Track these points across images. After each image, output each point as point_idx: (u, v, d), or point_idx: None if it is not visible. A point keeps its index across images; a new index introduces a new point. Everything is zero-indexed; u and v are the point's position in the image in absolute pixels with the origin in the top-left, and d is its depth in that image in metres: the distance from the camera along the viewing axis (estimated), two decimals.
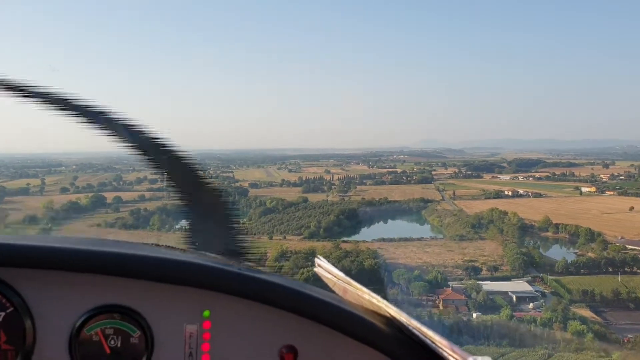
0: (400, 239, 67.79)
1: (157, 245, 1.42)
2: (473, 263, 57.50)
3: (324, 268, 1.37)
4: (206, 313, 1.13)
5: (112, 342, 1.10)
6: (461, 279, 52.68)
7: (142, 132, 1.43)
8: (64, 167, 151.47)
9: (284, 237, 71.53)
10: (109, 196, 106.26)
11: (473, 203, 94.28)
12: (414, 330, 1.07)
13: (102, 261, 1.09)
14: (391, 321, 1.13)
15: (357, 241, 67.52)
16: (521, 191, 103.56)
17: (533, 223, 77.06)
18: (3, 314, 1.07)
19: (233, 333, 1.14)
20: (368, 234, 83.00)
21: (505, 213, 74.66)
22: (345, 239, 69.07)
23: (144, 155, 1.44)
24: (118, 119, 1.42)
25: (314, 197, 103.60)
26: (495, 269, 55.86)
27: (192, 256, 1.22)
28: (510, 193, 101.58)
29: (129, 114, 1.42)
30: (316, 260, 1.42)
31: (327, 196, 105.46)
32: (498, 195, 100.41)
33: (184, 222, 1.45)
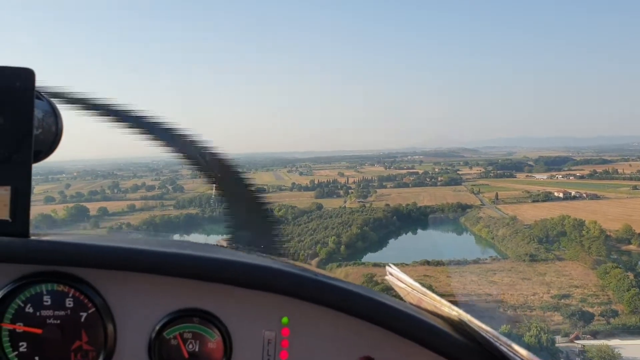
0: (450, 262, 47.75)
1: (221, 245, 1.36)
2: (568, 300, 37.46)
3: (396, 276, 1.27)
4: (285, 320, 1.07)
5: (191, 346, 1.06)
6: (568, 334, 32.63)
7: (183, 135, 1.40)
8: (64, 175, 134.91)
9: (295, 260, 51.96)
10: (95, 207, 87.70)
11: (521, 207, 74.22)
12: (503, 347, 0.97)
13: (184, 264, 1.04)
14: (473, 335, 1.04)
15: (394, 264, 47.52)
16: (573, 192, 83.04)
17: (609, 233, 56.66)
18: (85, 314, 1.04)
19: (311, 341, 1.08)
20: (398, 249, 63.32)
21: (582, 222, 54.29)
22: (376, 262, 49.27)
23: (184, 156, 1.40)
24: (162, 123, 1.38)
25: (329, 203, 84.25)
26: (613, 313, 35.60)
27: (267, 260, 1.15)
28: (561, 195, 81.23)
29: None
30: (387, 268, 1.31)
31: (345, 202, 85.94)
32: (547, 197, 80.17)
33: (226, 220, 1.43)
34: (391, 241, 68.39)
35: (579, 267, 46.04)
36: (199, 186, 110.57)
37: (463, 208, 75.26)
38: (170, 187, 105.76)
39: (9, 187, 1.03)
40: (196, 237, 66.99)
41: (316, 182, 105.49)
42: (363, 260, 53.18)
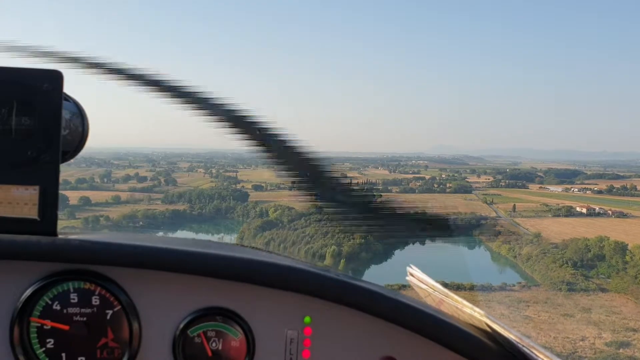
0: (473, 287, 38.60)
1: (242, 245, 1.36)
2: (629, 350, 28.55)
3: (417, 277, 1.25)
4: (307, 319, 1.08)
5: (214, 344, 1.07)
6: None
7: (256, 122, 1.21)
8: None
9: None
10: (77, 195, 79.16)
11: (542, 222, 65.06)
12: (525, 349, 0.96)
13: (208, 263, 1.04)
14: (496, 337, 1.03)
15: (405, 287, 38.57)
16: (597, 208, 73.88)
17: None
18: (111, 312, 1.05)
19: (333, 341, 1.08)
20: (404, 264, 54.15)
21: (624, 245, 45.25)
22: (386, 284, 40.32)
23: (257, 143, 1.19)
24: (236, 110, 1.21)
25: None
26: None
27: (289, 260, 1.15)
28: (584, 210, 72.06)
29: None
30: (408, 269, 1.29)
31: None
32: (569, 212, 71.08)
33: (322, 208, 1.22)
34: (397, 252, 59.31)
35: (629, 302, 37.06)
36: (193, 180, 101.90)
37: (477, 219, 66.19)
38: (162, 180, 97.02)
39: (37, 187, 1.04)
40: (183, 235, 58.29)
41: None
42: (365, 278, 44.31)
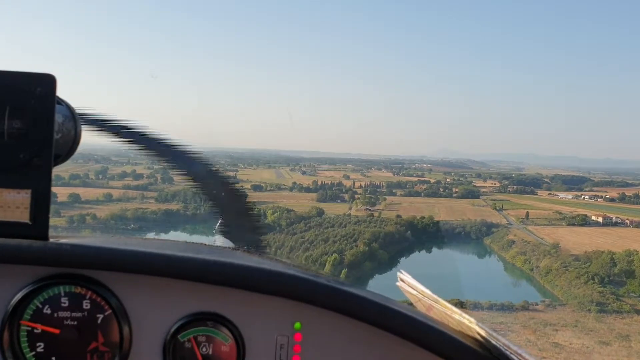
0: (492, 306, 33.89)
1: (235, 249, 1.38)
2: None
3: (407, 283, 1.24)
4: (297, 325, 1.06)
5: (204, 349, 1.06)
6: None
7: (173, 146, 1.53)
8: None
9: None
10: (67, 192, 74.83)
11: (557, 231, 60.26)
12: (513, 356, 0.96)
13: (199, 268, 1.02)
14: (484, 344, 1.02)
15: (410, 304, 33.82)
16: (613, 217, 69.04)
17: None
18: (101, 316, 1.03)
19: (323, 347, 1.07)
20: (411, 274, 49.56)
21: None
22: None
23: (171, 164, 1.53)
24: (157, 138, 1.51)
25: (331, 209, 70.69)
26: None
27: (280, 265, 1.13)
28: (600, 219, 67.29)
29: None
30: (399, 274, 1.27)
31: (350, 208, 72.37)
32: (585, 221, 66.30)
33: (215, 217, 1.54)
34: (402, 260, 54.67)
35: None
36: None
37: (488, 227, 61.49)
38: (159, 177, 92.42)
39: (29, 191, 1.03)
40: (175, 237, 53.75)
41: (319, 183, 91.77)
42: (369, 288, 39.63)
